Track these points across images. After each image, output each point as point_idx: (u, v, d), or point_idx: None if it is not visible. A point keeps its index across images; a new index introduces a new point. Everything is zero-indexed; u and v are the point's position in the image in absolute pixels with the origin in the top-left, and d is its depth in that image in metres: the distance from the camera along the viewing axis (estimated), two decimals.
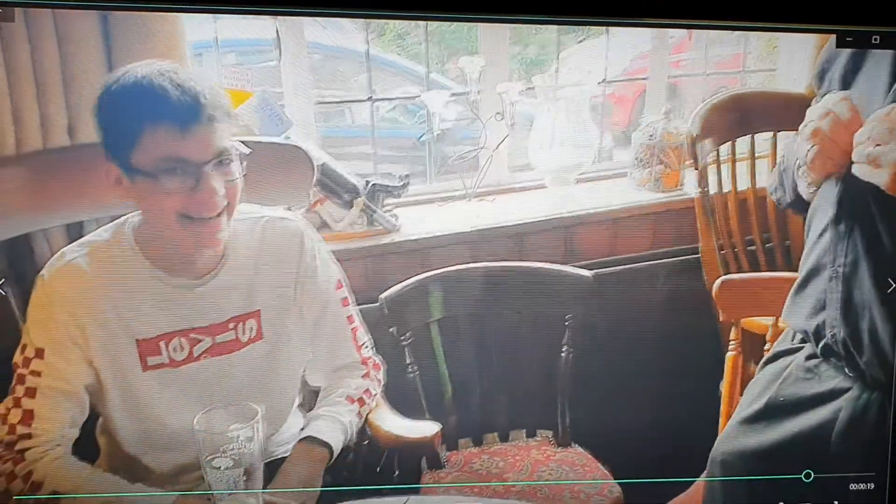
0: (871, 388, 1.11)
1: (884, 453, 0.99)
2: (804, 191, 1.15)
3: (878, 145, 1.01)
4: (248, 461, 1.02)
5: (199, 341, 1.11)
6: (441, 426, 1.28)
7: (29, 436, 1.04)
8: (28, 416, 1.04)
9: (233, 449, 1.01)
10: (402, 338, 1.37)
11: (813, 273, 1.16)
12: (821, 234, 1.14)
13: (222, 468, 1.01)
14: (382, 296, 1.34)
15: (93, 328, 1.05)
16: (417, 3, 0.99)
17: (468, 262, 1.41)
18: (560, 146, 1.56)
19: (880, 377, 1.09)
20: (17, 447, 1.04)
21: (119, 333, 1.07)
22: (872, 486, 0.93)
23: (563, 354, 1.43)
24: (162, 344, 1.09)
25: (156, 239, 1.08)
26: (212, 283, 1.11)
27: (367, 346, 1.27)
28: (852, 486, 0.93)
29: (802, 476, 0.95)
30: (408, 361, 1.38)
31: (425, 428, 1.28)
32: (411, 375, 1.39)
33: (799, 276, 1.19)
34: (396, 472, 1.32)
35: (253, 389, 1.15)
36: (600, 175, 1.65)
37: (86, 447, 1.11)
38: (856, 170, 1.04)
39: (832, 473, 0.97)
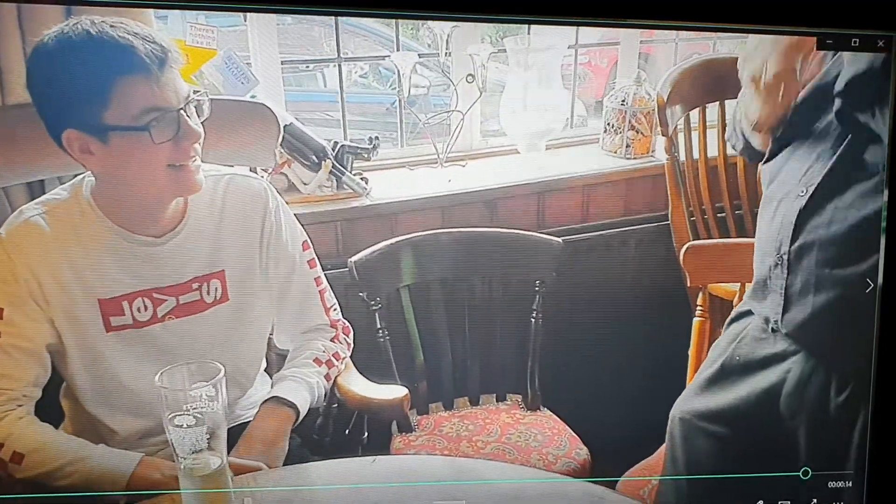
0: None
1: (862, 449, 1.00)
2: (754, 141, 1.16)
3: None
4: (210, 421, 1.01)
5: (163, 301, 1.10)
6: (408, 389, 1.28)
7: None
8: None
9: (195, 407, 1.00)
10: (373, 303, 1.37)
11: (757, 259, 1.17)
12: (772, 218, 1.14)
13: (184, 426, 1.00)
14: (351, 260, 1.34)
15: (53, 287, 1.04)
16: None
17: (439, 228, 1.41)
18: (532, 112, 1.56)
19: (825, 353, 1.11)
20: None
21: (80, 293, 1.06)
22: (850, 484, 0.94)
23: (533, 320, 1.44)
24: (125, 304, 1.08)
25: (115, 197, 1.06)
26: (174, 242, 1.10)
27: (335, 309, 1.27)
28: (831, 485, 0.94)
29: (800, 473, 0.96)
30: (378, 326, 1.38)
31: (394, 391, 1.28)
32: (382, 340, 1.39)
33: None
34: (366, 435, 1.33)
35: (219, 351, 1.14)
36: (572, 141, 1.65)
37: (49, 411, 1.10)
38: None
39: (829, 471, 0.98)
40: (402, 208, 1.44)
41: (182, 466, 1.01)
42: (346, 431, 1.32)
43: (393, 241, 1.36)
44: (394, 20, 1.44)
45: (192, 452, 1.01)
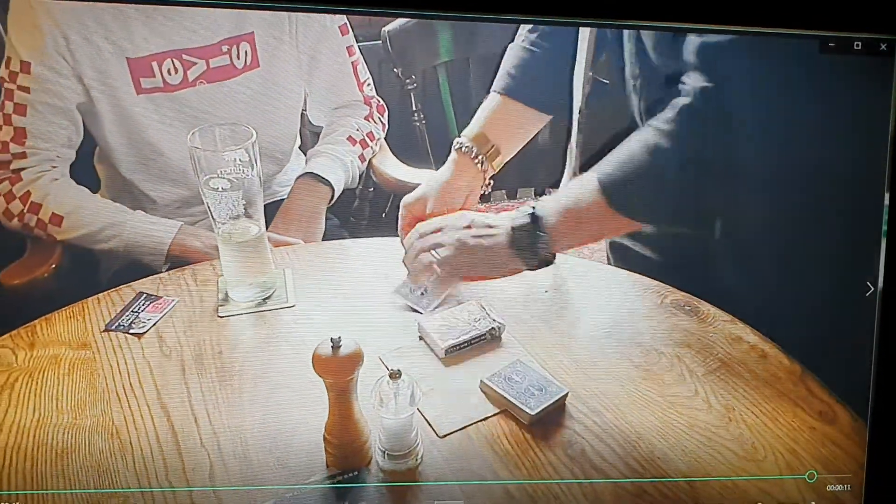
0: None
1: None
2: None
3: None
4: (245, 187, 0.99)
5: (193, 64, 1.06)
6: None
7: (23, 154, 1.02)
8: (20, 134, 1.02)
9: (229, 172, 0.98)
10: (408, 81, 1.31)
11: None
12: None
13: (220, 189, 0.98)
14: (385, 29, 1.26)
15: (79, 41, 1.01)
16: None
17: None
18: None
19: None
20: (13, 166, 1.02)
21: (108, 50, 1.02)
22: (849, 488, 0.93)
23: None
24: (154, 65, 1.04)
25: None
26: None
27: (369, 84, 1.22)
28: (829, 488, 0.93)
29: (806, 476, 0.93)
30: (413, 109, 1.33)
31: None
32: (417, 124, 1.34)
33: None
34: None
35: (252, 121, 1.11)
36: None
37: (84, 176, 1.10)
38: None
39: (836, 474, 0.95)
40: None
41: (220, 232, 1.01)
42: (383, 215, 1.30)
43: (429, 10, 1.27)
44: None
45: (230, 218, 1.01)
